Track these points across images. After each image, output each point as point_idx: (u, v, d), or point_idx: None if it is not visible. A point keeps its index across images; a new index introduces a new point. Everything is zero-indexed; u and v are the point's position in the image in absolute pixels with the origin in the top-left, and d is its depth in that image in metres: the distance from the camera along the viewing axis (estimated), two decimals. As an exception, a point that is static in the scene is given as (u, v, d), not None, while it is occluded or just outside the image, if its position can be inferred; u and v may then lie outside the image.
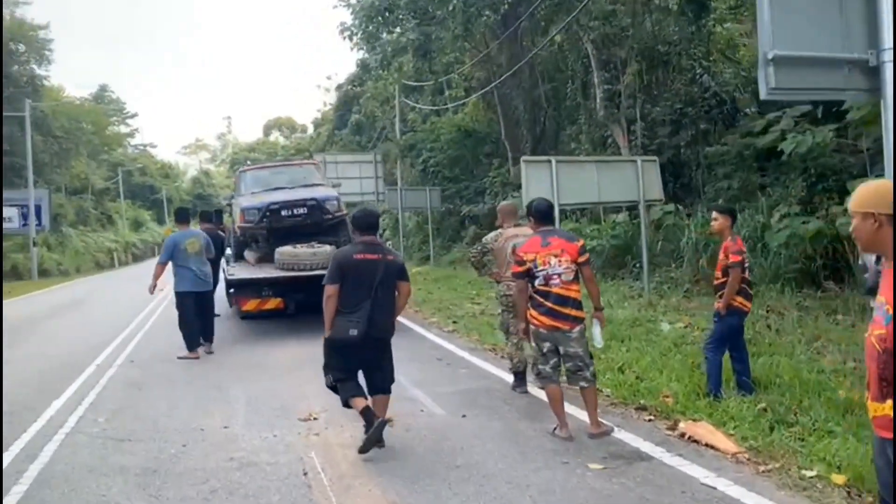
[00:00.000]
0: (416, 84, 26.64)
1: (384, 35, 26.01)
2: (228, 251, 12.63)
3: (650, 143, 16.92)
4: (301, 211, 11.48)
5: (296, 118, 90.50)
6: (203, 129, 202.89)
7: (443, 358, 8.93)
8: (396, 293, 5.39)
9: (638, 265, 13.59)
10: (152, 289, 9.84)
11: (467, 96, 26.35)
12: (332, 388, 5.44)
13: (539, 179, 10.73)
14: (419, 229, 26.69)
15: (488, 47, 23.44)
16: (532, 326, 5.51)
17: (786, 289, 10.35)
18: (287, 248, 10.98)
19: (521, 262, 5.46)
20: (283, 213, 11.44)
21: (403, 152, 27.14)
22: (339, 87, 48.33)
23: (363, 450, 5.08)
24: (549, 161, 10.85)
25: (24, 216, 33.84)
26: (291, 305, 11.22)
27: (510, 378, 7.25)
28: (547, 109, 22.75)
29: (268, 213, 11.43)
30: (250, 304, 11.21)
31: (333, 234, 11.86)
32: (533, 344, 5.60)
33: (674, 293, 11.99)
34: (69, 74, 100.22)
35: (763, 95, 5.89)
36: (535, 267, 5.39)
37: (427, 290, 15.27)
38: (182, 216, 10.34)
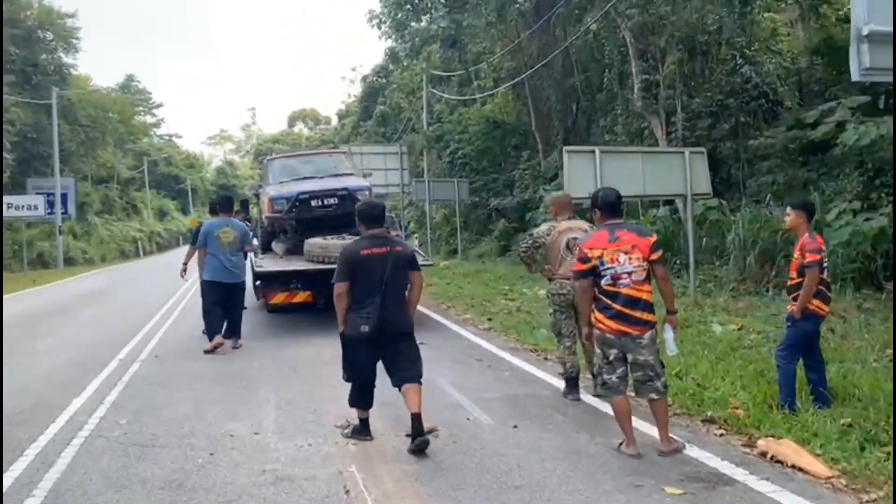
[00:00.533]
0: (444, 74, 26.07)
1: (413, 23, 25.51)
2: (255, 242, 12.17)
3: (689, 135, 16.25)
4: (332, 201, 10.99)
5: (320, 110, 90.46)
6: (228, 121, 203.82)
7: (482, 358, 8.38)
8: (409, 285, 5.27)
9: (679, 262, 12.96)
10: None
11: (496, 87, 25.76)
12: (350, 380, 5.40)
13: (582, 170, 10.17)
14: (446, 222, 26.17)
15: (520, 36, 22.81)
16: (597, 331, 4.94)
17: (845, 289, 9.69)
18: (317, 240, 10.48)
19: (584, 259, 4.89)
20: (314, 203, 10.95)
21: (430, 143, 26.59)
22: (364, 79, 47.93)
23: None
24: (594, 151, 10.26)
25: (51, 204, 33.69)
26: (321, 299, 10.69)
27: (558, 383, 6.69)
28: (580, 100, 22.08)
29: (297, 203, 10.94)
30: (278, 297, 10.73)
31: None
32: (597, 350, 5.03)
33: (720, 292, 11.36)
34: (96, 64, 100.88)
35: (855, 76, 5.25)
36: (602, 265, 4.82)
37: (457, 285, 14.74)
38: (226, 205, 9.88)
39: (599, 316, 4.88)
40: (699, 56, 17.12)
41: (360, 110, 48.47)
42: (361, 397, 5.30)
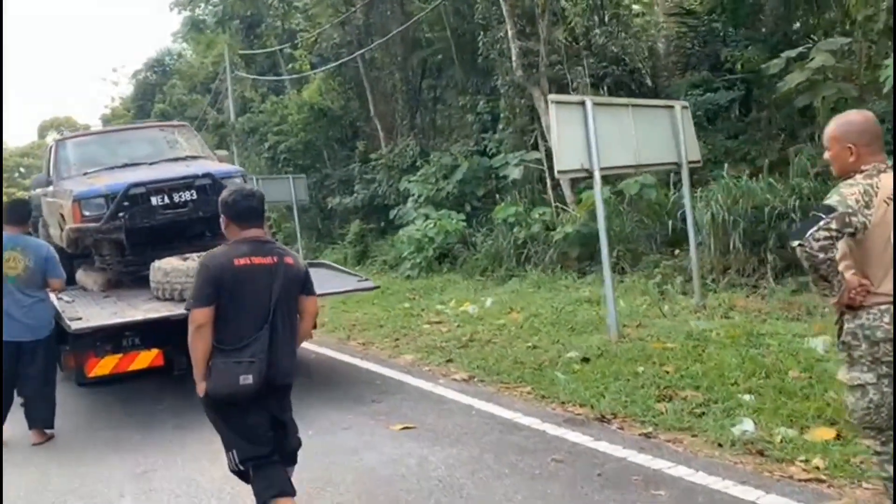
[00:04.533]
0: (251, 52, 21.43)
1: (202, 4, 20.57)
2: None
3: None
4: (186, 196, 6.56)
5: (77, 116, 78.18)
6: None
7: (564, 459, 4.56)
8: (298, 314, 3.60)
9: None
10: None
11: (315, 69, 21.64)
12: (240, 473, 3.50)
13: (571, 132, 6.81)
14: (277, 228, 21.47)
15: (348, 9, 18.97)
16: None
17: None
18: (171, 262, 6.07)
19: None
20: (155, 200, 6.45)
21: (242, 138, 21.74)
22: (135, 75, 40.67)
23: None
24: (583, 103, 6.92)
25: None
26: (180, 360, 6.24)
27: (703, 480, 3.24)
28: (425, 77, 18.72)
29: (127, 203, 6.38)
30: (104, 364, 6.04)
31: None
32: None
33: (722, 287, 8.61)
34: None
35: None
36: None
37: (342, 308, 10.61)
38: (16, 214, 5.73)
39: None
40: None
41: (135, 111, 41.21)
42: (276, 484, 3.42)
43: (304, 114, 21.07)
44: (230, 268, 3.37)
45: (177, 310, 5.65)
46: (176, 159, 7.59)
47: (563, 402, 5.44)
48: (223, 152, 8.32)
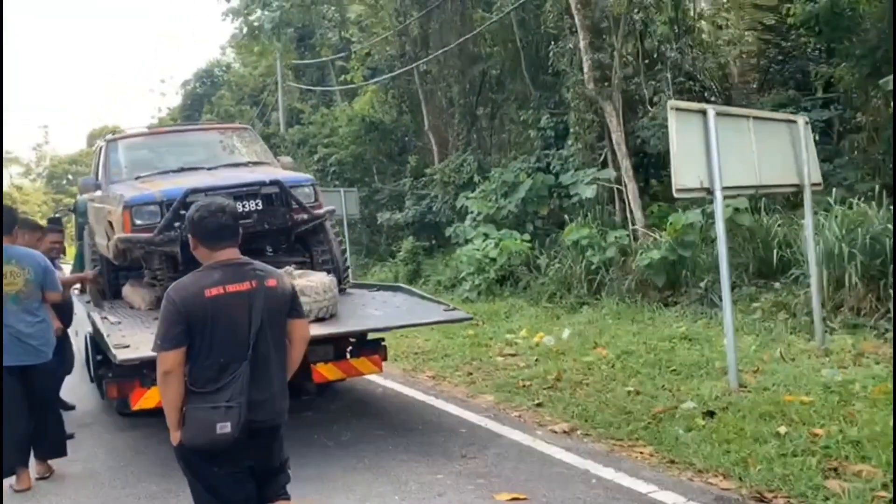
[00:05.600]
0: (302, 62, 20.88)
1: (258, 11, 20.07)
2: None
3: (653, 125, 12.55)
4: (251, 206, 5.72)
5: (125, 126, 79.28)
6: (14, 140, 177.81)
7: None
8: (287, 341, 3.17)
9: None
10: None
11: (368, 81, 20.99)
12: None
13: (689, 144, 5.84)
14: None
15: (406, 19, 18.28)
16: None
17: None
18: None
19: None
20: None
21: (293, 149, 21.11)
22: (184, 85, 40.71)
23: None
24: (704, 112, 5.95)
25: None
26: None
27: None
28: (482, 91, 17.86)
29: (183, 212, 5.55)
30: (150, 396, 5.19)
31: (304, 249, 6.30)
32: None
33: (839, 328, 7.50)
34: None
35: None
36: None
37: (403, 335, 9.63)
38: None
39: None
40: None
41: (180, 120, 41.28)
42: None
43: (355, 126, 20.39)
44: (201, 301, 2.95)
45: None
46: (237, 164, 6.78)
47: (699, 471, 4.41)
48: (287, 159, 7.47)
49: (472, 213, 14.08)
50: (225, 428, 2.90)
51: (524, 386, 6.64)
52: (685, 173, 5.83)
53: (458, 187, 15.87)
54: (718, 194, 5.94)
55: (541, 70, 15.21)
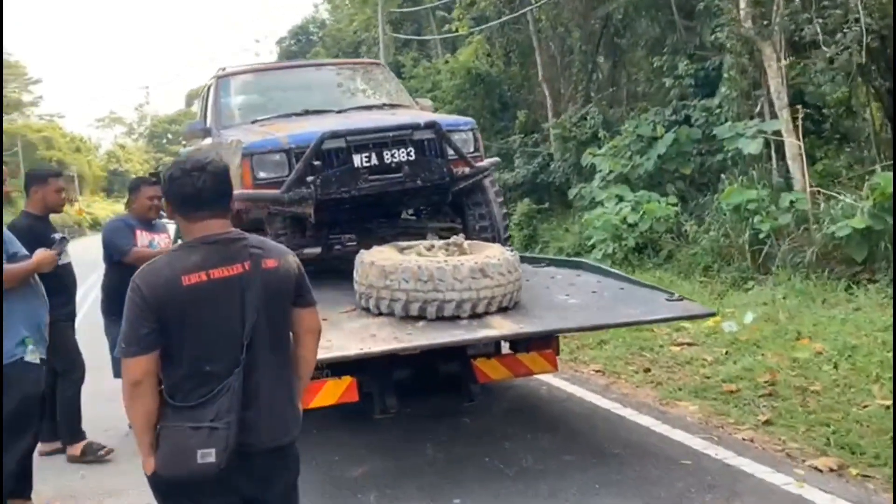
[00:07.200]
0: (404, 10, 19.50)
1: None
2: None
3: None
4: (401, 156, 4.37)
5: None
6: (118, 102, 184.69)
7: None
8: (293, 336, 2.45)
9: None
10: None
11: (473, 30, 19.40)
12: None
13: None
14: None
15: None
16: None
17: None
18: (393, 255, 3.94)
19: None
20: (359, 160, 4.30)
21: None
22: (279, 42, 40.11)
23: None
24: None
25: None
26: (383, 396, 4.16)
27: None
28: (602, 38, 15.98)
29: (318, 162, 4.28)
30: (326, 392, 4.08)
31: (452, 212, 4.95)
32: None
33: None
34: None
35: None
36: None
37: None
38: None
39: None
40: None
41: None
42: None
43: (459, 80, 18.90)
44: (176, 290, 2.22)
45: (408, 337, 3.49)
46: (370, 107, 5.46)
47: None
48: (427, 101, 6.11)
49: (600, 171, 12.45)
50: (208, 456, 2.18)
51: (731, 392, 5.13)
52: None
53: (580, 143, 14.21)
54: None
55: (680, 10, 13.25)
